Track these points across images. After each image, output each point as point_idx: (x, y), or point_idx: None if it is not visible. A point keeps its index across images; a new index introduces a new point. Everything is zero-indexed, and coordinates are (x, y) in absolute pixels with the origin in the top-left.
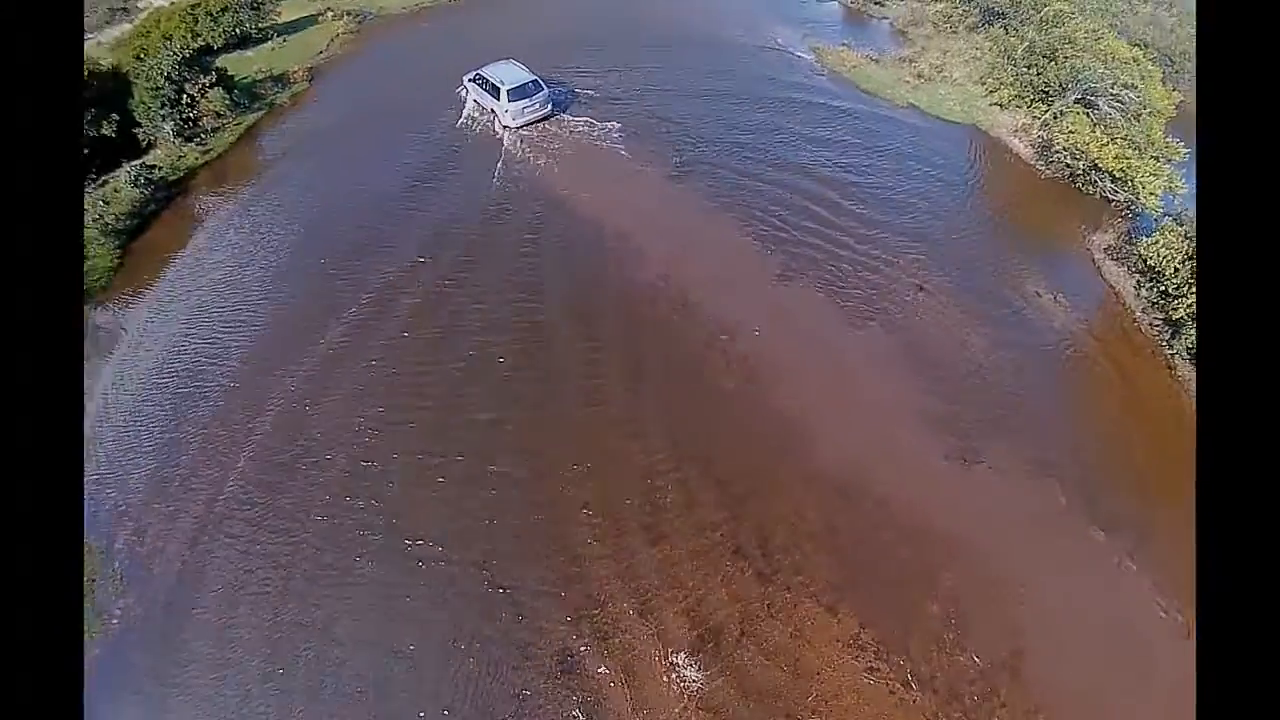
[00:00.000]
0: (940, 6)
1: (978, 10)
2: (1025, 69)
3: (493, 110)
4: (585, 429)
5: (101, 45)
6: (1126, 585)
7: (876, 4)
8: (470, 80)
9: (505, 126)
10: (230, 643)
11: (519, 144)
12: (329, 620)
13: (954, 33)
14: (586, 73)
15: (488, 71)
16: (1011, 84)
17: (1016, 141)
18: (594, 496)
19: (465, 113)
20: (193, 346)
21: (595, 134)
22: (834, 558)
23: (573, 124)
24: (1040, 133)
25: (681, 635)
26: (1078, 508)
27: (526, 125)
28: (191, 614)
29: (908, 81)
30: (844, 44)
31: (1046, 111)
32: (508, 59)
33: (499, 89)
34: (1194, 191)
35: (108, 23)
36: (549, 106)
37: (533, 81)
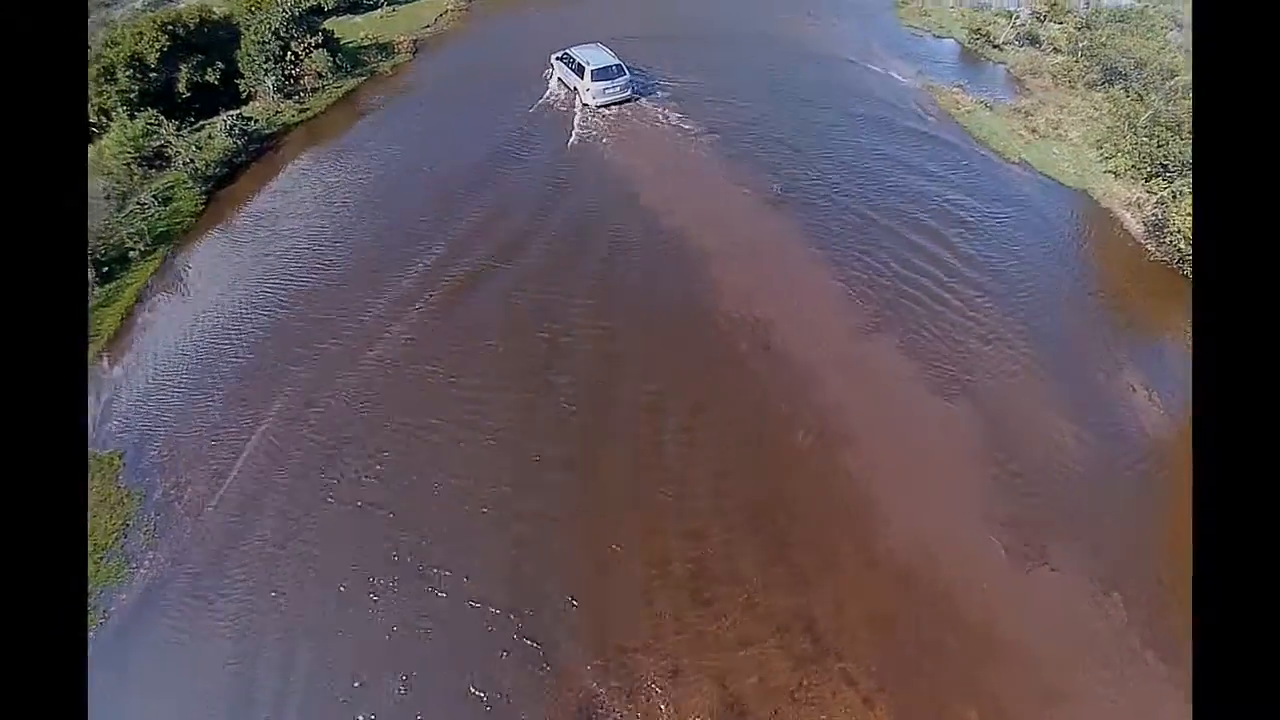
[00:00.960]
0: (1061, 59)
1: (1099, 68)
2: (1146, 139)
3: (575, 89)
4: (640, 474)
5: None
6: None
7: (995, 48)
8: (557, 59)
9: (585, 105)
10: None
11: (612, 149)
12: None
13: (1072, 88)
14: (694, 81)
15: (575, 52)
16: (1129, 152)
17: (1128, 216)
18: (639, 547)
19: (549, 90)
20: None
21: (693, 145)
22: (880, 648)
23: (671, 131)
24: (1155, 210)
25: (708, 704)
26: (1136, 628)
27: (608, 106)
28: None
29: (1021, 135)
30: (958, 85)
31: (1164, 187)
32: (596, 43)
33: (584, 69)
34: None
35: None
36: (629, 91)
37: (616, 65)
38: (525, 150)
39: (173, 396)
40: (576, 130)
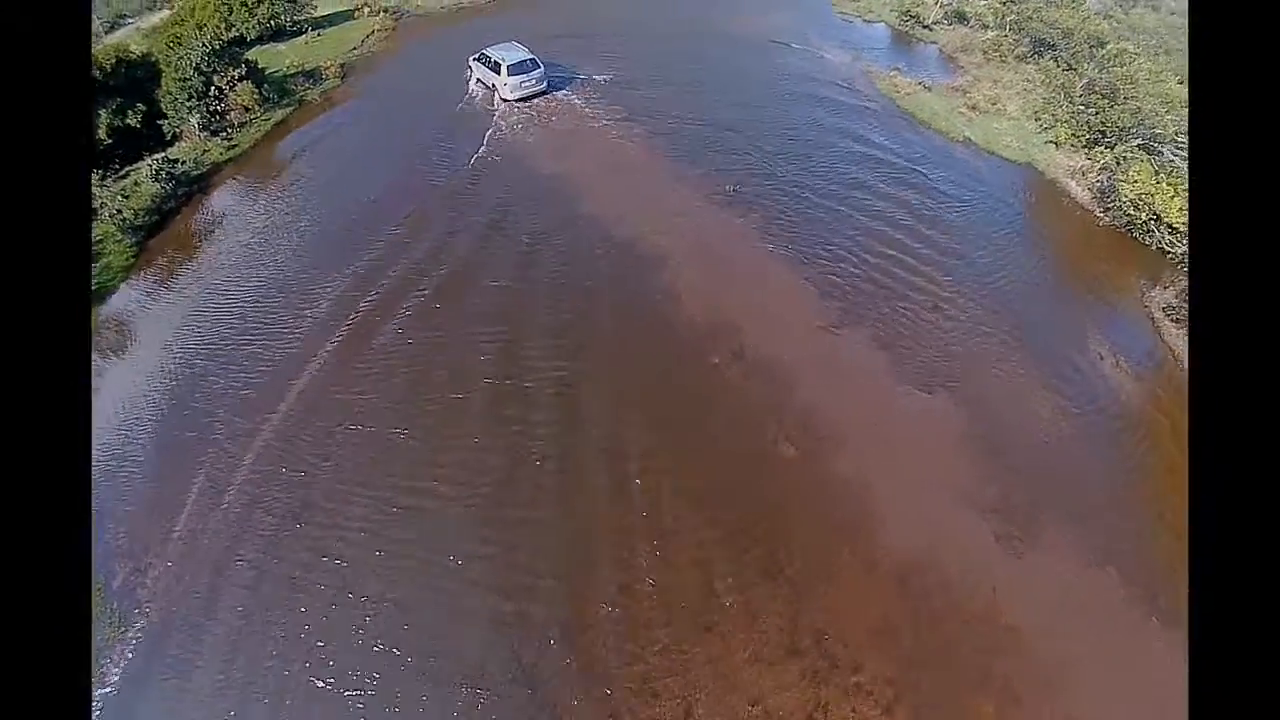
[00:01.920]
0: (990, 35)
1: (1028, 40)
2: (1083, 107)
3: (493, 86)
4: (619, 505)
5: (139, 30)
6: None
7: (925, 28)
8: (475, 60)
9: (504, 100)
10: None
11: (544, 148)
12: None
13: (1004, 62)
14: (629, 79)
15: (490, 51)
16: (1068, 122)
17: (1073, 185)
18: (634, 563)
19: (469, 91)
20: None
21: (637, 141)
22: (892, 654)
23: (594, 120)
24: (1099, 177)
25: None
26: (1136, 598)
27: (522, 100)
28: None
29: (962, 113)
30: (896, 68)
31: (1105, 154)
32: (510, 41)
33: (500, 65)
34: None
35: (148, 8)
36: (544, 84)
37: (530, 59)
38: (452, 154)
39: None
40: (496, 124)
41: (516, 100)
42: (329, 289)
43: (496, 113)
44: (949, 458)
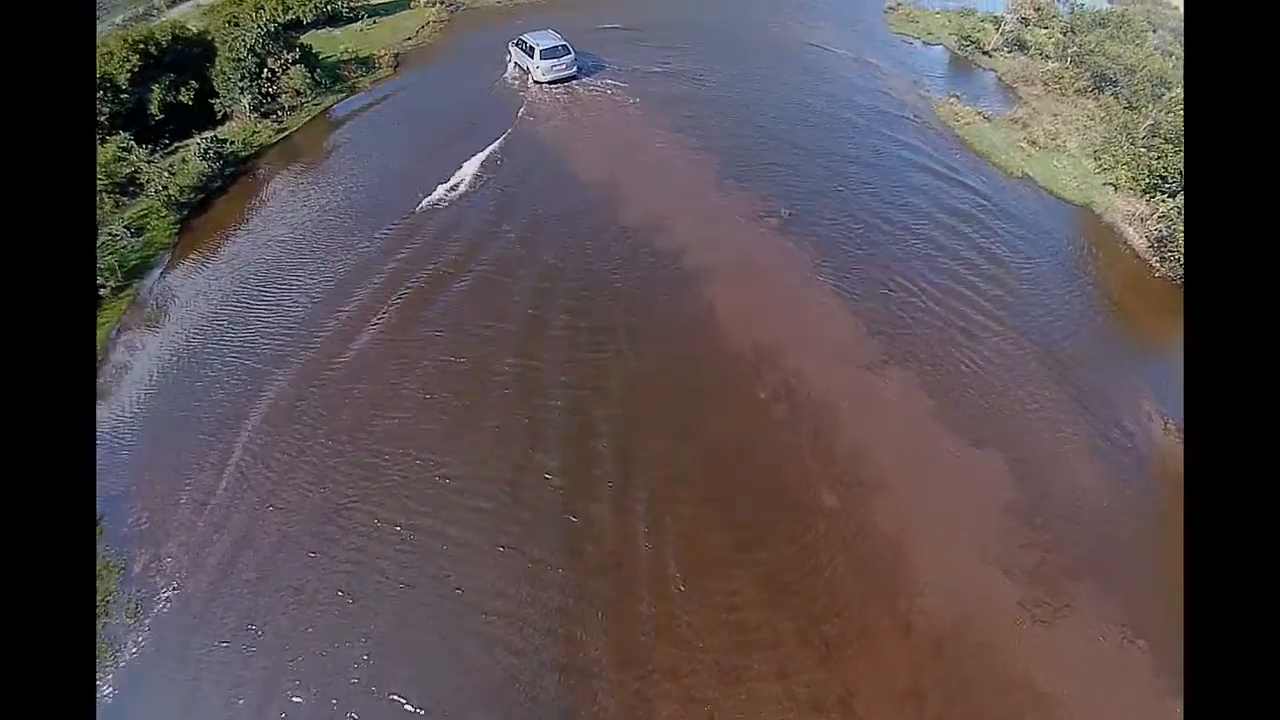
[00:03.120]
0: (1052, 66)
1: (1089, 74)
2: (1144, 150)
3: (527, 69)
4: (650, 545)
5: (200, 6)
6: None
7: (984, 54)
8: (513, 45)
9: (536, 82)
10: None
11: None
12: None
13: (1063, 95)
14: (683, 94)
15: (527, 36)
16: (1128, 164)
17: (1130, 231)
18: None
19: (508, 72)
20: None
21: (690, 161)
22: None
23: (668, 152)
24: (1158, 226)
25: None
26: (1165, 677)
27: (553, 83)
28: None
29: (1021, 148)
30: (954, 95)
31: (1166, 202)
32: (546, 29)
33: (534, 49)
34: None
35: None
36: (574, 69)
37: (562, 45)
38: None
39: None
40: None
41: (548, 83)
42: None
43: (529, 93)
44: (990, 517)
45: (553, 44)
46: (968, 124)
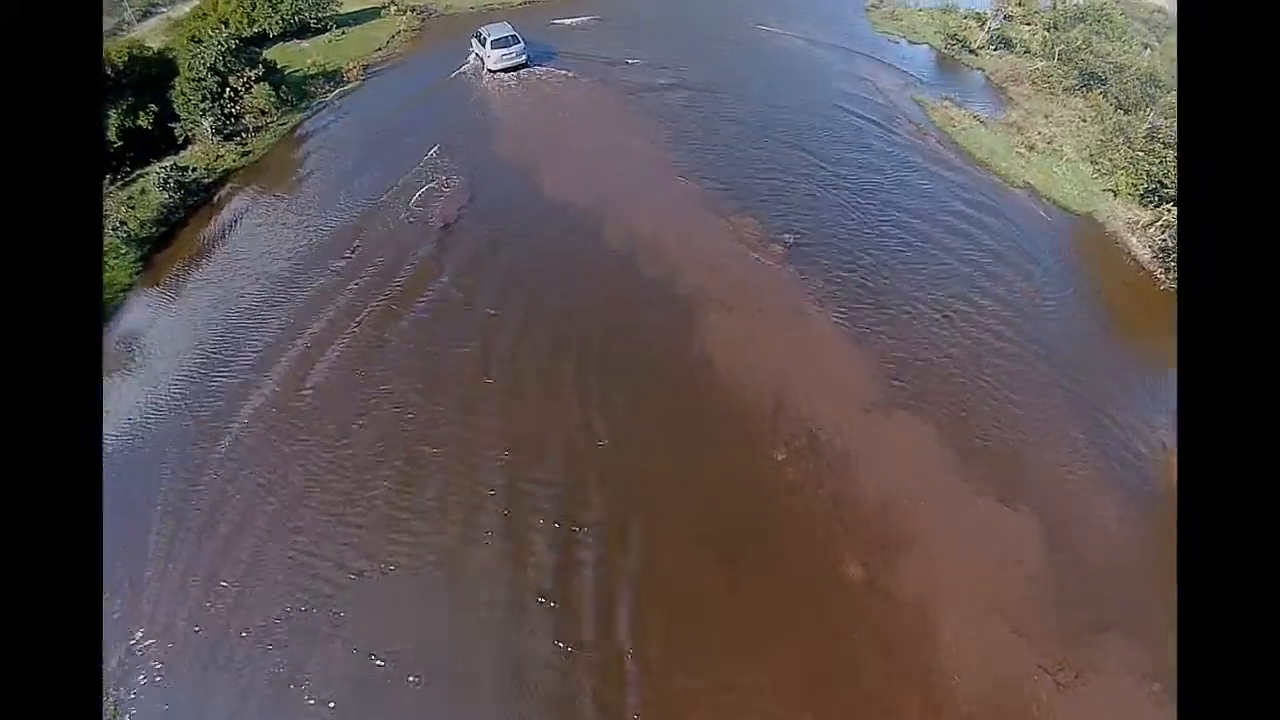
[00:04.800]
0: (1040, 65)
1: (1077, 73)
2: (1143, 154)
3: (483, 59)
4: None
5: (169, 20)
6: None
7: (971, 53)
8: (473, 37)
9: (490, 70)
10: None
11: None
12: None
13: (1052, 94)
14: (669, 102)
15: (483, 29)
16: (1126, 169)
17: (1134, 241)
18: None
19: (470, 62)
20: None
21: (685, 186)
22: None
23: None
24: (1161, 235)
25: None
26: None
27: (505, 70)
28: None
29: (1020, 153)
30: (947, 98)
31: (1165, 208)
32: (502, 22)
33: (485, 40)
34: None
35: (172, 0)
36: (523, 57)
37: (511, 36)
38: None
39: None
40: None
41: (499, 70)
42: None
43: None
44: (1018, 580)
45: (502, 34)
46: (964, 129)
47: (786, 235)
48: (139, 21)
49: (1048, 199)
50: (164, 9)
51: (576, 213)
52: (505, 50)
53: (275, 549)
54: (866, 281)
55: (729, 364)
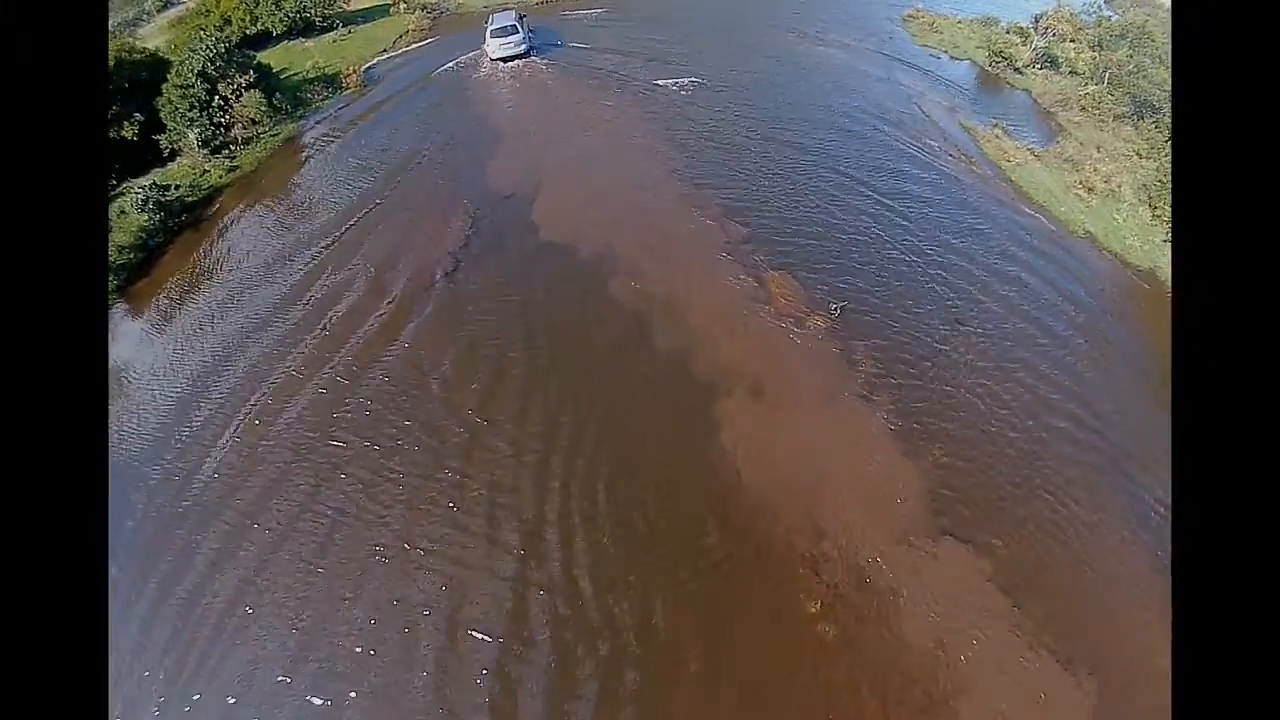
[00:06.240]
0: (1091, 89)
1: (1128, 99)
2: None
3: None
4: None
5: (181, 15)
6: None
7: (1016, 72)
8: (486, 24)
9: (491, 59)
10: None
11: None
12: None
13: (1102, 121)
14: (690, 116)
15: (491, 17)
16: None
17: None
18: None
19: (484, 49)
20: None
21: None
22: None
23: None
24: None
25: None
26: None
27: (504, 60)
28: None
29: (1079, 195)
30: (996, 124)
31: None
32: (507, 9)
33: (488, 29)
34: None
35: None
36: (523, 47)
37: (512, 25)
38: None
39: None
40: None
41: (499, 59)
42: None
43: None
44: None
45: (504, 24)
46: (1019, 164)
47: (831, 304)
48: (159, 12)
49: (1110, 251)
50: (183, 1)
51: (580, 260)
52: (504, 40)
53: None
54: (923, 362)
55: (756, 475)
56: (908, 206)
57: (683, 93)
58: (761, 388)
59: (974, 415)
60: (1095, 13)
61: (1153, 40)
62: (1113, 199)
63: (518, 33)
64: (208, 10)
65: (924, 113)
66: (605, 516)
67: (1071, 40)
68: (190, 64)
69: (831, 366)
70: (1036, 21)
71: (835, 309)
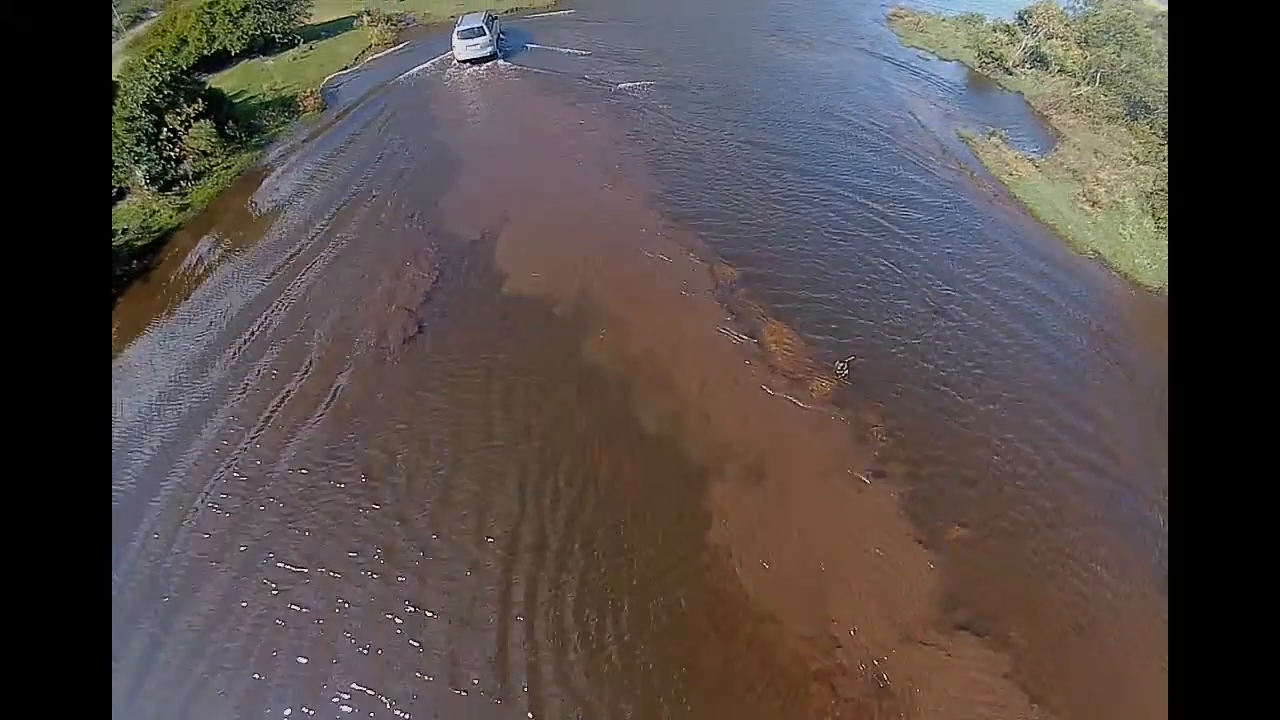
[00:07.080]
0: (1084, 90)
1: (1121, 99)
2: None
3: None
4: None
5: (132, 38)
6: None
7: (1007, 73)
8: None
9: (458, 60)
10: None
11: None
12: None
13: (1096, 123)
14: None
15: (461, 19)
16: None
17: None
18: None
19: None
20: None
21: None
22: None
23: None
24: None
25: None
26: None
27: (471, 62)
28: None
29: (1084, 210)
30: (992, 132)
31: None
32: (481, 12)
33: (455, 30)
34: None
35: (140, 15)
36: (489, 49)
37: (478, 27)
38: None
39: None
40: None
41: (465, 60)
42: None
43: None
44: None
45: (469, 27)
46: (1020, 177)
47: (837, 363)
48: (127, 29)
49: (1119, 272)
50: (154, 13)
51: (550, 314)
52: (470, 41)
53: None
54: (938, 427)
55: (758, 576)
56: (915, 235)
57: (663, 106)
58: (761, 469)
59: (992, 484)
60: (1080, 7)
61: (1136, 35)
62: (1118, 212)
63: (484, 35)
64: (163, 31)
65: (920, 121)
66: (580, 645)
67: (1059, 37)
68: (135, 94)
69: (835, 438)
70: (1023, 19)
71: (842, 368)
